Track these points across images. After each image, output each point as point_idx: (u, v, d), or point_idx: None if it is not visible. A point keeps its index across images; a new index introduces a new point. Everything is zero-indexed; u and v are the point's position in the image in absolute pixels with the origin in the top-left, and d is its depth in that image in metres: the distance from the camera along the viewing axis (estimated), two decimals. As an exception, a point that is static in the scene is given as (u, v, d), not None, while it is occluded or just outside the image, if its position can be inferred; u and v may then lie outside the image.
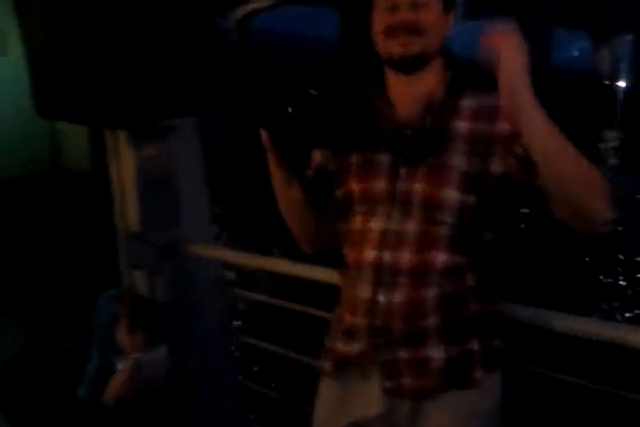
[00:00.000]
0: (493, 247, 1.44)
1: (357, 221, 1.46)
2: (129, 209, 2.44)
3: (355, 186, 1.46)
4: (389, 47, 1.39)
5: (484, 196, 1.39)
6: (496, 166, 1.37)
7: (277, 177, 1.47)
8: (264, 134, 1.41)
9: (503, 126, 1.36)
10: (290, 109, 1.33)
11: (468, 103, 1.41)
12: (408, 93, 1.43)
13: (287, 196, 1.50)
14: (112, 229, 2.58)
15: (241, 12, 15.36)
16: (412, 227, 1.39)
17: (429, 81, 1.42)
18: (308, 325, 2.10)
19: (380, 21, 1.39)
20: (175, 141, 2.45)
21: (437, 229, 1.38)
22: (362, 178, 1.45)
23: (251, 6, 15.49)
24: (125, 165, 2.39)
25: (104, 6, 1.86)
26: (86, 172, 4.30)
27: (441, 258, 1.38)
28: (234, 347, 2.62)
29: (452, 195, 1.37)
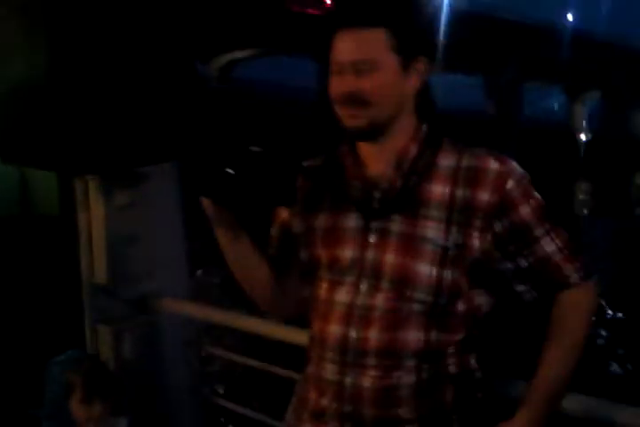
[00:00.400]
0: (476, 324, 1.29)
1: (323, 290, 1.32)
2: (96, 261, 2.28)
3: (321, 252, 1.32)
4: (341, 116, 1.27)
5: (464, 270, 1.24)
6: (476, 241, 1.24)
7: (220, 233, 1.30)
8: (204, 202, 1.25)
9: (484, 195, 1.23)
10: (230, 170, 1.18)
11: (445, 162, 1.27)
12: (377, 152, 1.30)
13: (234, 254, 1.33)
14: (79, 279, 2.41)
15: (223, 60, 15.54)
16: (381, 302, 1.25)
17: (399, 139, 1.29)
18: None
19: (331, 86, 1.27)
20: (150, 189, 2.32)
21: (410, 306, 1.24)
22: (328, 244, 1.31)
23: (233, 55, 15.70)
24: (95, 215, 2.24)
25: (75, 47, 1.75)
26: (55, 216, 4.14)
27: (413, 337, 1.24)
28: (206, 412, 2.44)
29: (426, 270, 1.23)
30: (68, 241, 2.60)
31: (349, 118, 1.25)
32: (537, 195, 1.27)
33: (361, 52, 1.22)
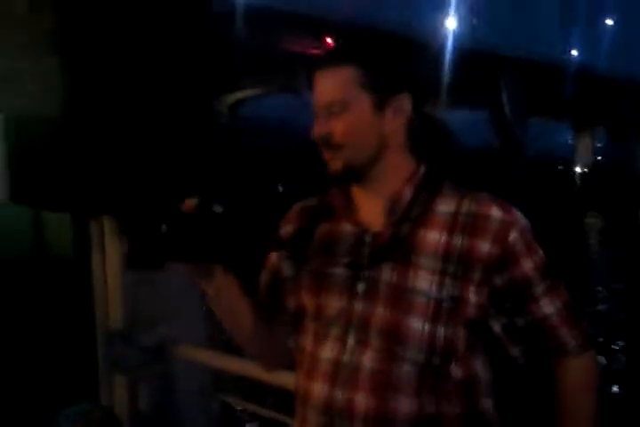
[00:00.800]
0: (475, 390, 1.17)
1: (308, 342, 1.23)
2: (112, 305, 2.19)
3: (307, 300, 1.24)
4: (325, 159, 1.22)
5: (459, 327, 1.14)
6: (472, 295, 1.14)
7: (200, 283, 1.21)
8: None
9: (485, 245, 1.14)
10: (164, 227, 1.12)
11: (444, 208, 1.18)
12: (369, 195, 1.22)
13: (218, 298, 1.22)
14: (92, 323, 2.31)
15: (232, 98, 15.68)
16: (368, 361, 1.14)
17: (391, 182, 1.20)
18: None
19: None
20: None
21: (400, 366, 1.13)
22: (315, 292, 1.22)
23: (242, 93, 15.86)
24: (109, 257, 2.15)
25: (90, 82, 1.70)
26: (69, 257, 4.05)
27: (405, 404, 1.12)
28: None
29: (418, 325, 1.13)
30: (82, 283, 2.50)
31: (329, 161, 1.20)
32: (539, 249, 1.18)
33: (331, 93, 1.18)
